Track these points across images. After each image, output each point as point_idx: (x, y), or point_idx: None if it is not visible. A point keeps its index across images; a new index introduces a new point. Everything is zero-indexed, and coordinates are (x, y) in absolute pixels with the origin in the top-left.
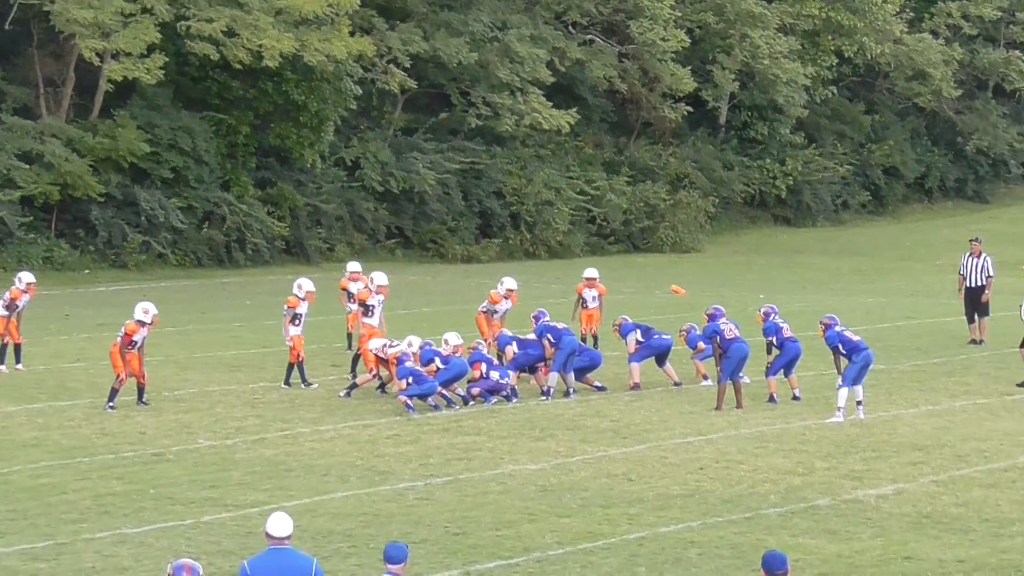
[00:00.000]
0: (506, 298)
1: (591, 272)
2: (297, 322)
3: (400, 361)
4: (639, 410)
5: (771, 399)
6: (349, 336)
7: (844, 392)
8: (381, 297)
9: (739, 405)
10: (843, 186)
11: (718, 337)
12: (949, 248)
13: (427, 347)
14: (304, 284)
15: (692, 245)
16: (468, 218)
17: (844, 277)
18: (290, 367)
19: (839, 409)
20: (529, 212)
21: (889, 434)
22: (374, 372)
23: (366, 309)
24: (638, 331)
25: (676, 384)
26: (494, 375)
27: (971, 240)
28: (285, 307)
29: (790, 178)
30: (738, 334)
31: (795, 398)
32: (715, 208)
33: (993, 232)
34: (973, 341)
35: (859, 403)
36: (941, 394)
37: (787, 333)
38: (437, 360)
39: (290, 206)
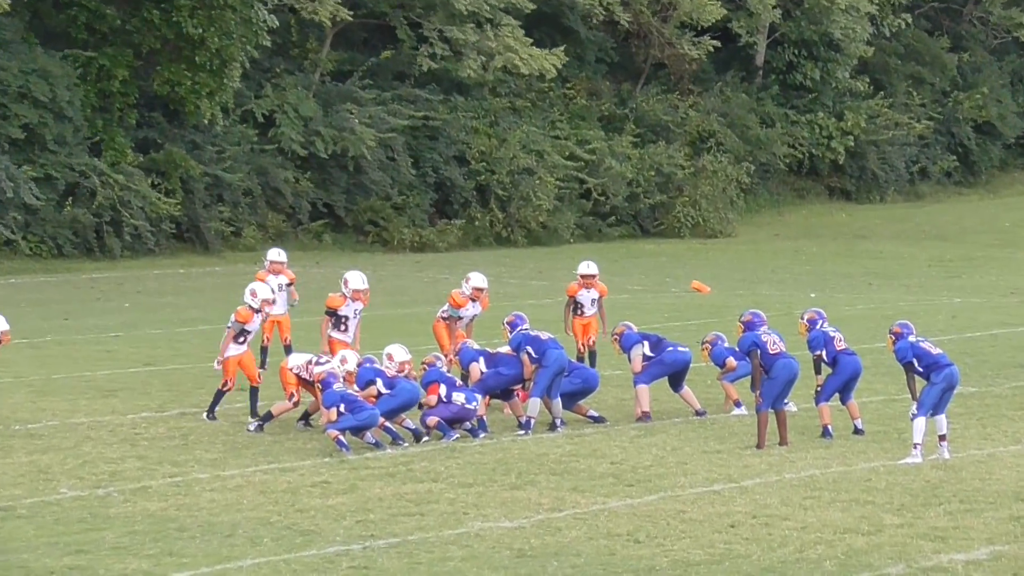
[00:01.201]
0: (473, 300)
1: (588, 267)
2: (243, 340)
3: (327, 384)
4: (649, 448)
5: (825, 432)
6: (264, 351)
7: (921, 423)
8: (359, 305)
9: (783, 441)
10: (921, 148)
11: (759, 351)
12: None
13: (367, 365)
14: (260, 291)
15: (720, 227)
16: (420, 192)
17: (922, 270)
18: (219, 395)
19: (916, 446)
20: (502, 184)
21: (983, 479)
22: (295, 398)
23: (337, 320)
24: (645, 343)
25: (698, 413)
26: (458, 398)
27: None
28: (232, 319)
29: (850, 138)
30: (784, 348)
31: (857, 431)
32: (750, 178)
33: None
34: None
35: (942, 438)
36: None
37: (840, 345)
38: (379, 382)
39: (182, 176)
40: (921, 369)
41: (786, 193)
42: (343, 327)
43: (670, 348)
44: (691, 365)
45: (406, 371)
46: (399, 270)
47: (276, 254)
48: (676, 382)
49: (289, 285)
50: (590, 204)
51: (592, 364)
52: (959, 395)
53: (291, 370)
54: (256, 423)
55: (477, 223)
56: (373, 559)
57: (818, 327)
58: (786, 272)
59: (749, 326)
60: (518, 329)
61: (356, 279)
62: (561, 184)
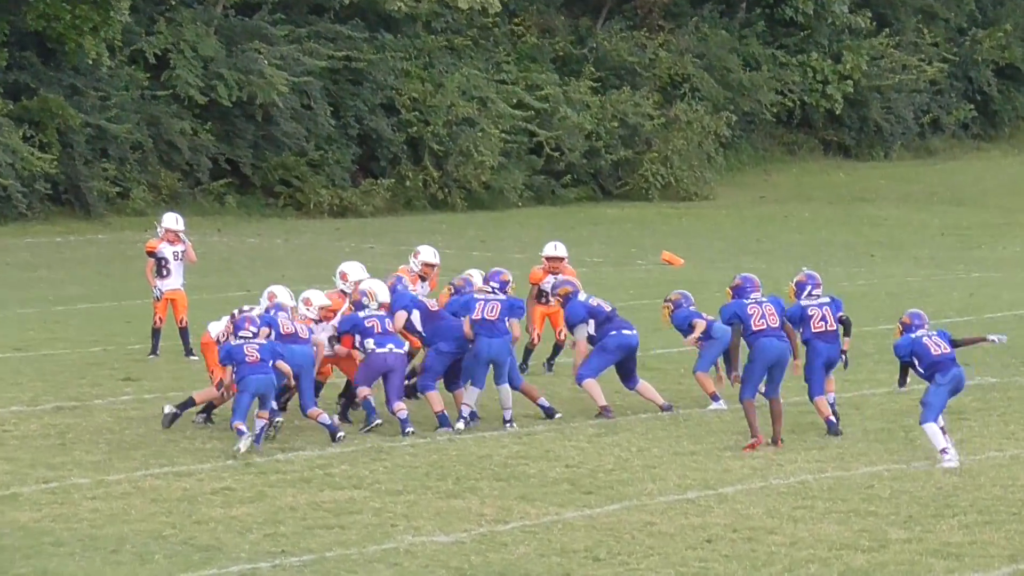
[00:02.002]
0: (423, 278)
1: (556, 248)
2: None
3: (237, 327)
4: (610, 449)
5: (830, 427)
6: (155, 333)
7: (934, 428)
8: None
9: (775, 439)
10: (932, 96)
11: (741, 325)
12: None
13: (273, 312)
14: (315, 299)
15: (695, 188)
16: (341, 146)
17: (934, 239)
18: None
19: (944, 451)
20: (437, 137)
21: (1004, 486)
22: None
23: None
24: (591, 321)
25: (664, 408)
26: (369, 344)
27: None
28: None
29: (849, 83)
30: (771, 324)
31: (831, 428)
32: (731, 131)
33: None
34: None
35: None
36: None
37: (817, 325)
38: (270, 331)
39: (60, 127)
40: (921, 370)
41: (774, 148)
42: None
43: (613, 332)
44: (637, 348)
45: (329, 320)
46: (316, 238)
47: (172, 220)
48: (627, 373)
49: (185, 248)
50: (541, 161)
51: (553, 357)
52: (980, 389)
53: (216, 343)
54: (203, 416)
55: (408, 183)
56: None
57: (805, 294)
58: (773, 241)
59: (738, 292)
60: (466, 292)
61: (428, 253)
62: (507, 137)
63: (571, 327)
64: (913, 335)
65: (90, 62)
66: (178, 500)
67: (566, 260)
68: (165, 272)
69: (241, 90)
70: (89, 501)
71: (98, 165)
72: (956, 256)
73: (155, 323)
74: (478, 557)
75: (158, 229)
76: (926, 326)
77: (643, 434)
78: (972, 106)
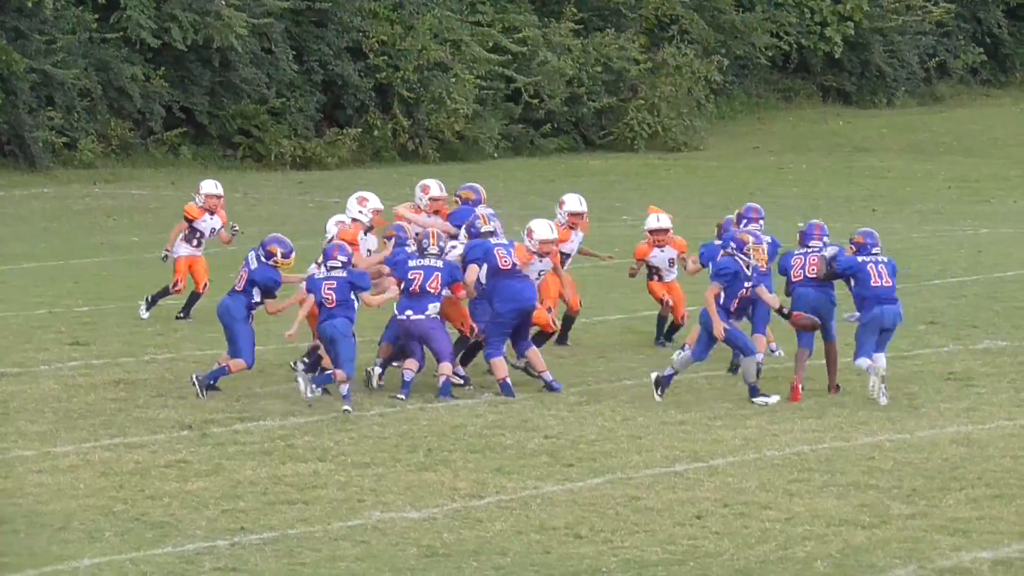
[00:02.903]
0: (572, 227)
1: (658, 220)
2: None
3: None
4: (593, 418)
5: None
6: (160, 293)
7: (866, 362)
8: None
9: (793, 394)
10: (939, 38)
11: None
12: None
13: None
14: (372, 200)
15: (684, 138)
16: (304, 93)
17: (940, 192)
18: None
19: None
20: (408, 83)
21: (1015, 457)
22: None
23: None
24: (484, 264)
25: (545, 384)
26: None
27: None
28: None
29: (850, 24)
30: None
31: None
32: (723, 76)
33: None
34: None
35: (882, 379)
36: None
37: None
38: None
39: (2, 73)
40: (854, 293)
41: (768, 95)
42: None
43: (506, 280)
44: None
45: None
46: (277, 192)
47: (212, 186)
48: (517, 337)
49: (222, 227)
50: (519, 109)
51: (670, 331)
52: (986, 352)
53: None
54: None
55: (376, 132)
56: (243, 558)
57: (742, 226)
58: (767, 195)
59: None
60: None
61: (573, 201)
62: (483, 83)
63: (465, 265)
64: (861, 258)
65: (32, 4)
66: (129, 473)
67: (671, 231)
68: (196, 243)
69: (197, 33)
70: (34, 475)
71: (43, 113)
72: (964, 210)
73: (173, 287)
74: (451, 534)
75: (196, 197)
76: (879, 246)
77: (628, 402)
78: (981, 49)
